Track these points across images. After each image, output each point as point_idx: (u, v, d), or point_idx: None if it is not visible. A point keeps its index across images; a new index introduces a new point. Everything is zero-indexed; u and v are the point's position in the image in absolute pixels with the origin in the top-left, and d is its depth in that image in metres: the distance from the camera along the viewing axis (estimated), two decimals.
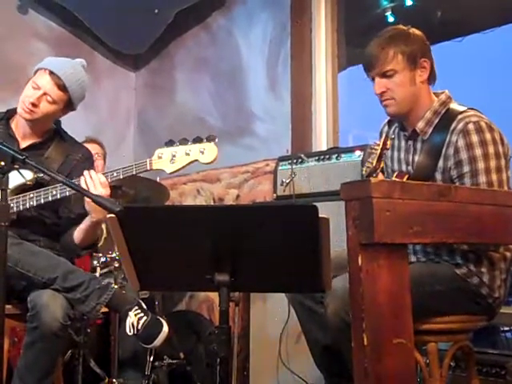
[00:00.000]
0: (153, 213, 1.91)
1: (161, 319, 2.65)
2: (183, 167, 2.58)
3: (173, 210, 2.09)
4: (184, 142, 2.57)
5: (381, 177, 2.36)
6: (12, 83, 2.88)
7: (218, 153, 2.52)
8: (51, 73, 2.79)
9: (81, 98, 2.90)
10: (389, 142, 2.28)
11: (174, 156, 2.56)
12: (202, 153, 2.52)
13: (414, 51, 2.39)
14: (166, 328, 2.61)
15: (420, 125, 2.42)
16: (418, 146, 2.46)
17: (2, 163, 2.17)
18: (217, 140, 2.53)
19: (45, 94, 2.79)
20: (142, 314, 2.61)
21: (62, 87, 2.80)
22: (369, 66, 2.41)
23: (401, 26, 2.47)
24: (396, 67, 2.38)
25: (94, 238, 2.85)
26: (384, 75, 2.39)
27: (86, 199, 2.60)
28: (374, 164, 2.27)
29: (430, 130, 2.42)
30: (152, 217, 1.89)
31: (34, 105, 2.78)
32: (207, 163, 2.54)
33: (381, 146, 2.27)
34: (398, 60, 2.37)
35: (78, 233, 2.79)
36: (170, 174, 2.60)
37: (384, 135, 2.34)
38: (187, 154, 2.55)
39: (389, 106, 2.42)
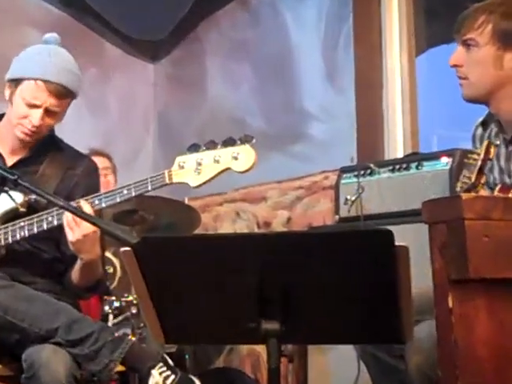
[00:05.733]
0: (179, 244, 1.92)
1: (193, 378, 2.66)
2: (212, 178, 2.57)
3: (205, 239, 2.10)
4: (212, 145, 2.57)
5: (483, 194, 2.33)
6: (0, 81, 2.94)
7: (256, 158, 2.52)
8: (47, 82, 2.83)
9: (80, 85, 2.96)
10: (492, 151, 2.24)
11: (199, 164, 2.57)
12: (236, 158, 2.52)
13: (510, 28, 2.38)
14: None
15: None
16: None
17: None
18: (254, 141, 2.53)
19: (47, 110, 2.84)
20: (168, 373, 2.62)
21: (65, 94, 2.86)
22: (456, 27, 2.47)
23: None
24: (479, 38, 2.40)
25: (94, 278, 2.86)
26: (464, 43, 2.42)
27: (69, 234, 2.62)
28: (474, 178, 2.23)
29: None
30: (178, 249, 1.90)
31: (37, 127, 2.84)
32: (243, 172, 2.53)
33: (482, 156, 2.23)
34: (485, 31, 2.39)
35: (74, 273, 2.82)
36: (196, 187, 2.60)
37: (485, 142, 2.31)
38: (216, 161, 2.55)
39: (462, 87, 2.46)
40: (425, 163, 3.34)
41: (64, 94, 2.86)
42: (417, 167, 3.36)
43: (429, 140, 4.60)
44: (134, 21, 5.13)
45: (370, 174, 3.49)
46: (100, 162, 4.07)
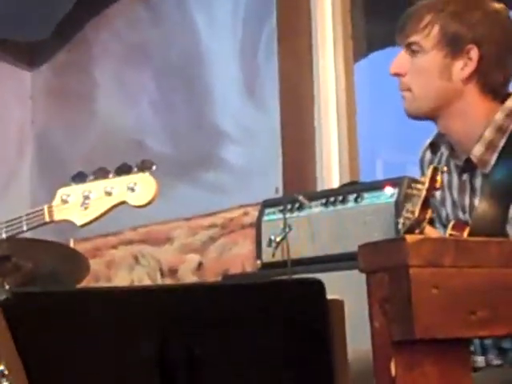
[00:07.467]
0: (59, 301, 1.91)
1: None
2: (103, 215, 2.60)
3: (92, 295, 2.09)
4: (102, 174, 2.59)
5: (431, 233, 2.35)
6: None
7: (157, 189, 2.55)
8: None
9: None
10: (439, 179, 2.28)
11: (87, 197, 2.58)
12: (132, 190, 2.55)
13: (461, 32, 2.43)
14: None
15: (477, 150, 2.44)
16: (478, 182, 2.48)
17: None
18: (154, 168, 2.56)
19: None
20: None
21: None
22: (398, 27, 2.54)
23: None
24: (424, 42, 2.46)
25: None
26: (408, 47, 2.49)
27: None
28: (417, 213, 2.27)
29: (494, 157, 2.43)
30: (58, 307, 1.88)
31: None
32: (141, 206, 2.56)
33: (427, 185, 2.27)
34: (432, 33, 2.45)
35: None
36: (83, 226, 2.62)
37: (431, 167, 2.35)
38: (108, 194, 2.57)
39: (404, 101, 2.53)
40: (365, 195, 3.38)
41: None
42: (356, 200, 3.40)
43: (371, 166, 4.65)
44: (6, 17, 5.09)
45: (299, 209, 3.52)
46: None
